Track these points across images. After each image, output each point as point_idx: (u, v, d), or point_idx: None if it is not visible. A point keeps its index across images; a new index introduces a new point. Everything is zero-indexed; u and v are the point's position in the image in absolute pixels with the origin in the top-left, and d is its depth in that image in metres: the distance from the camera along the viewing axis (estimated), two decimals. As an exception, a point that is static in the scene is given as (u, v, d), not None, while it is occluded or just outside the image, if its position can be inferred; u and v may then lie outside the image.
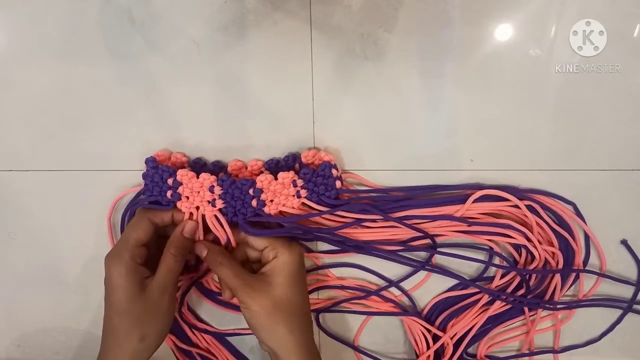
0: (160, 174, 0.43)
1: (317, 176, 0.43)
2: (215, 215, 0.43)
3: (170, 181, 0.42)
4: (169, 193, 0.43)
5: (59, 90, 0.45)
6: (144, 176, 0.43)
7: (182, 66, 0.44)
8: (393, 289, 0.50)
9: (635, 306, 0.49)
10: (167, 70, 0.44)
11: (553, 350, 0.50)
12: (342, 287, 0.50)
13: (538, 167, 0.45)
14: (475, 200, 0.44)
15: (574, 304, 0.48)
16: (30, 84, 0.45)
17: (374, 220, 0.44)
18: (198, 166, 0.46)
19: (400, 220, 0.44)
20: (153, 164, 0.43)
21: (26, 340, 0.53)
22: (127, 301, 0.40)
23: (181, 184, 0.42)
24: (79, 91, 0.45)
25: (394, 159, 0.46)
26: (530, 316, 0.49)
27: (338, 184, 0.43)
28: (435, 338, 0.50)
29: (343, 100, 0.44)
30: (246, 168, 0.46)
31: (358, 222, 0.44)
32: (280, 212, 0.44)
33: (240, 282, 0.41)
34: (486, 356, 0.51)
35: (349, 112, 0.45)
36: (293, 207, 0.43)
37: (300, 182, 0.43)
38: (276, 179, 0.42)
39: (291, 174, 0.43)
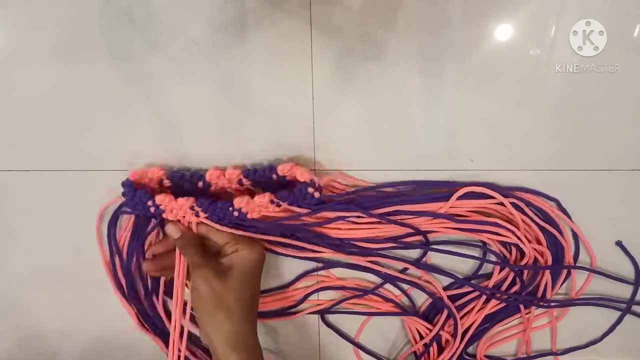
0: (139, 198, 0.43)
1: (294, 195, 0.43)
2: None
3: (150, 203, 0.43)
4: (152, 209, 0.43)
5: (59, 90, 0.45)
6: (124, 197, 0.44)
7: (182, 66, 0.44)
8: (393, 289, 0.49)
9: (634, 307, 0.49)
10: (167, 70, 0.44)
11: (554, 353, 0.50)
12: (343, 288, 0.50)
13: (538, 167, 0.45)
14: (462, 198, 0.44)
15: (567, 302, 0.49)
16: (30, 84, 0.45)
17: (357, 217, 0.44)
18: (176, 178, 0.45)
19: (382, 216, 0.44)
20: (130, 189, 0.43)
21: (26, 340, 0.53)
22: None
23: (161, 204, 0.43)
24: (79, 91, 0.45)
25: (394, 159, 0.46)
26: (526, 314, 0.49)
27: (317, 195, 0.43)
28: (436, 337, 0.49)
29: (343, 100, 0.44)
30: (224, 176, 0.45)
31: (340, 219, 0.44)
32: (263, 215, 0.44)
33: (202, 262, 0.42)
34: (485, 356, 0.51)
35: (349, 112, 0.45)
36: (275, 212, 0.44)
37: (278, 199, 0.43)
38: (253, 197, 0.43)
39: (267, 196, 0.43)
